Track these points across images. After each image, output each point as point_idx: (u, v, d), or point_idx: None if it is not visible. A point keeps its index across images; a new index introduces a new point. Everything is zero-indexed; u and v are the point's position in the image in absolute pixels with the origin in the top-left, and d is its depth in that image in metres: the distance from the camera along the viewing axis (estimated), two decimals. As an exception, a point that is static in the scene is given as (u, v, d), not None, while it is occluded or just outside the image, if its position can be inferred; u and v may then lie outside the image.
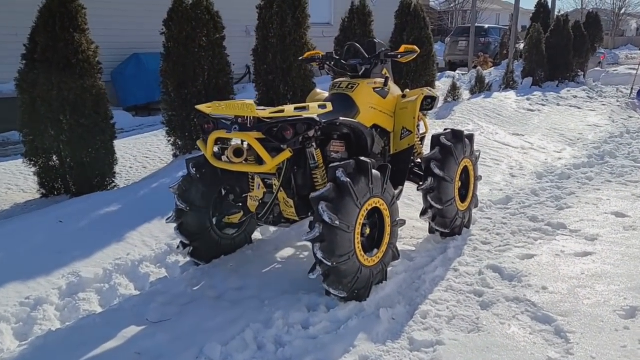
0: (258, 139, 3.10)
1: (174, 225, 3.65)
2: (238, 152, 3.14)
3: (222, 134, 3.19)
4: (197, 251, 3.73)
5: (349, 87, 3.97)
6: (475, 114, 9.38)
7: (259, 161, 3.20)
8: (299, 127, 3.07)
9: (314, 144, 3.29)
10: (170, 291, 3.36)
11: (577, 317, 2.98)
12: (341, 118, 3.31)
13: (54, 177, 4.94)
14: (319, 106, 3.20)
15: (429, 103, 4.27)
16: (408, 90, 4.39)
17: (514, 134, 8.40)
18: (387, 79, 4.13)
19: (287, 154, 3.11)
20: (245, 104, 3.04)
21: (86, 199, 4.56)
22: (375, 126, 4.04)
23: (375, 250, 3.30)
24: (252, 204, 3.64)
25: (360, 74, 4.09)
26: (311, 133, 3.15)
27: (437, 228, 4.19)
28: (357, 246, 3.09)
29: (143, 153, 6.94)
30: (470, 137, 4.36)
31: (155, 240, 3.95)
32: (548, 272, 3.56)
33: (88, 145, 4.77)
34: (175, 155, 6.15)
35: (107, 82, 12.84)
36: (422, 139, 4.68)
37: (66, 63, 4.56)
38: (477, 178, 4.57)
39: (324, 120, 3.17)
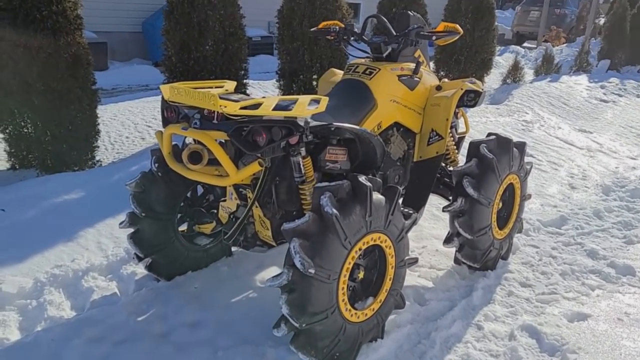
0: (222, 142, 2.37)
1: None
2: (195, 156, 2.41)
3: (176, 129, 2.47)
4: (156, 265, 3.08)
5: (367, 72, 3.15)
6: (537, 101, 8.28)
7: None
8: (274, 132, 2.30)
9: (301, 151, 2.52)
10: (107, 320, 2.73)
11: None
12: (336, 123, 2.50)
13: (25, 147, 4.37)
14: (311, 102, 2.41)
15: (471, 98, 3.39)
16: (446, 80, 3.51)
17: (580, 130, 7.30)
18: (419, 64, 3.27)
19: (254, 167, 2.36)
20: (207, 93, 2.30)
21: (44, 181, 3.97)
22: (397, 125, 3.23)
23: (370, 300, 2.55)
24: (223, 216, 2.93)
25: (384, 55, 3.26)
26: (293, 140, 2.38)
27: (465, 261, 3.37)
28: (342, 299, 2.35)
29: (147, 120, 6.33)
30: (521, 147, 3.47)
31: (113, 243, 3.32)
32: (604, 349, 2.71)
33: (60, 114, 4.14)
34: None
35: (137, 32, 12.51)
36: (459, 141, 3.81)
37: (36, 16, 3.89)
38: (525, 197, 3.68)
39: (313, 124, 2.39)
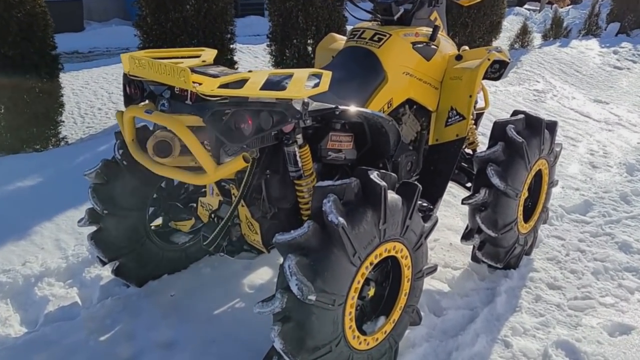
0: (196, 129, 1.88)
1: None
2: (162, 147, 1.92)
3: (138, 111, 1.98)
4: (125, 269, 2.64)
5: (375, 38, 2.65)
6: (548, 68, 7.78)
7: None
8: (263, 119, 1.82)
9: (297, 139, 2.04)
10: (62, 340, 2.30)
11: None
12: (341, 106, 2.01)
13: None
14: (310, 78, 1.93)
15: (495, 70, 2.91)
16: (467, 48, 3.01)
17: (596, 101, 6.84)
18: (436, 28, 2.77)
19: (238, 163, 1.89)
20: (175, 65, 1.80)
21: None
22: (409, 101, 2.75)
23: (382, 321, 2.13)
24: (203, 213, 2.47)
25: (395, 18, 2.76)
26: (287, 128, 1.90)
27: (486, 260, 2.95)
28: (348, 325, 1.91)
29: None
30: (552, 128, 3.00)
31: (75, 240, 2.86)
32: (657, 373, 2.32)
33: (14, 84, 3.60)
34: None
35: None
36: (477, 118, 3.34)
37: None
38: (553, 184, 3.24)
39: (313, 107, 1.90)
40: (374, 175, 1.90)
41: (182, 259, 2.84)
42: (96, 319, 2.43)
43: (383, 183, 1.87)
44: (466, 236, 2.91)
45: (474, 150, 3.19)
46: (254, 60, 7.28)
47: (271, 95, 1.77)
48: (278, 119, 1.80)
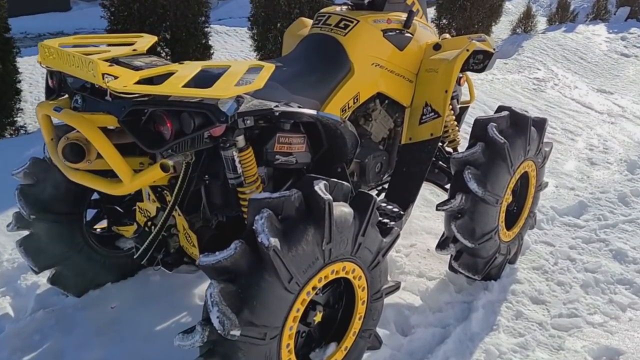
0: (110, 132, 1.64)
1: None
2: (74, 150, 1.67)
3: (48, 109, 1.73)
4: (60, 277, 2.42)
5: (341, 25, 2.40)
6: (550, 55, 7.46)
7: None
8: (184, 121, 1.56)
9: (236, 142, 1.79)
10: (-20, 362, 2.06)
11: None
12: (282, 106, 1.74)
13: None
14: (247, 74, 1.67)
15: (479, 61, 2.64)
16: (447, 36, 2.74)
17: (599, 91, 6.53)
18: (411, 14, 2.50)
19: (154, 172, 1.64)
20: (84, 57, 1.55)
21: None
22: (380, 96, 2.49)
23: (332, 348, 1.89)
24: (141, 219, 2.24)
25: (365, 2, 2.49)
26: (216, 132, 1.65)
27: (463, 272, 2.70)
28: (286, 359, 1.68)
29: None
30: (540, 126, 2.73)
31: (12, 243, 2.60)
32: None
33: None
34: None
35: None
36: (460, 113, 3.07)
37: None
38: (541, 187, 2.99)
39: (246, 108, 1.64)
40: (319, 187, 1.65)
41: (128, 266, 2.61)
42: (23, 335, 2.21)
43: (327, 196, 1.62)
44: (441, 245, 2.66)
45: (455, 150, 2.94)
46: (240, 44, 6.98)
47: (193, 93, 1.52)
48: (200, 122, 1.55)
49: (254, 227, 1.54)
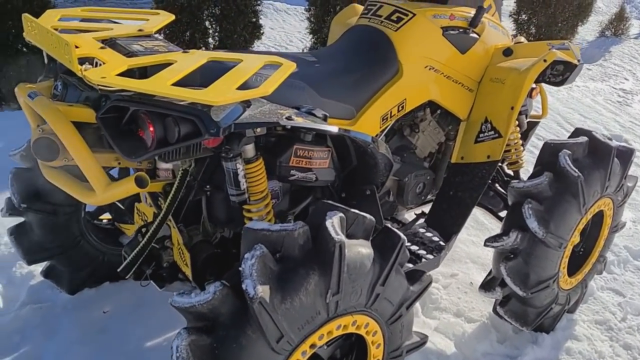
0: (88, 127, 1.38)
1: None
2: (46, 145, 1.41)
3: (23, 92, 1.48)
4: (54, 271, 2.23)
5: (394, 17, 2.03)
6: (641, 65, 6.71)
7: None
8: (168, 127, 1.26)
9: (243, 151, 1.49)
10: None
11: None
12: (294, 117, 1.40)
13: None
14: (265, 68, 1.36)
15: (558, 72, 2.21)
16: (522, 39, 2.32)
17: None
18: (481, 10, 2.10)
19: (129, 186, 1.35)
20: (60, 38, 1.28)
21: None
22: (431, 104, 2.13)
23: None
24: (139, 222, 1.98)
25: (426, -8, 2.11)
26: (211, 143, 1.35)
27: (509, 320, 2.31)
28: None
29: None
30: (626, 157, 2.28)
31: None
32: None
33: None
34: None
35: None
36: (527, 129, 2.65)
37: None
38: (617, 228, 2.53)
39: (245, 118, 1.31)
40: (332, 223, 1.32)
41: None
42: (2, 334, 2.03)
43: (339, 237, 1.29)
44: (486, 285, 2.28)
45: (516, 172, 2.52)
46: (298, 24, 6.65)
47: (181, 95, 1.21)
48: (187, 131, 1.24)
49: (241, 268, 1.24)
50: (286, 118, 1.35)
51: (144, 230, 1.85)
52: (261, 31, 4.49)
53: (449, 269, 2.76)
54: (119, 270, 1.73)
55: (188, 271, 1.72)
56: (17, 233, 2.09)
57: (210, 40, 4.25)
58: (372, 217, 1.46)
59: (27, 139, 2.04)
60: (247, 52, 1.60)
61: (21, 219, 2.12)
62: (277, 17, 6.59)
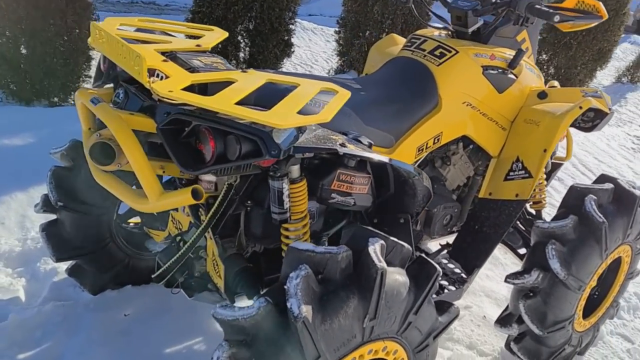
0: (144, 136, 1.42)
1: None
2: (103, 150, 1.46)
3: (85, 98, 1.53)
4: (79, 270, 2.26)
5: (437, 52, 2.09)
6: (657, 113, 6.78)
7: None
8: (229, 145, 1.31)
9: (289, 172, 1.53)
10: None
11: None
12: (346, 147, 1.45)
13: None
14: (317, 98, 1.41)
15: (589, 119, 2.27)
16: (556, 84, 2.38)
17: None
18: (520, 53, 2.16)
19: (185, 197, 1.40)
20: (132, 49, 1.33)
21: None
22: (465, 139, 2.17)
23: None
24: (172, 230, 2.02)
25: (469, 31, 2.16)
26: (267, 163, 1.40)
27: (522, 357, 2.33)
28: None
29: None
30: (648, 206, 2.31)
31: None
32: None
33: (38, 29, 3.26)
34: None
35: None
36: (551, 170, 2.69)
37: None
38: (632, 275, 2.56)
39: (304, 142, 1.36)
40: (375, 249, 1.36)
41: (153, 270, 2.41)
42: (25, 328, 2.05)
43: (382, 264, 1.33)
44: (502, 321, 2.30)
45: (538, 212, 2.56)
46: (324, 44, 6.74)
47: (246, 115, 1.26)
48: (248, 149, 1.29)
49: (286, 287, 1.27)
50: (340, 144, 1.39)
51: (178, 238, 1.90)
52: (292, 49, 4.57)
53: (463, 301, 2.78)
54: (153, 276, 1.77)
55: (220, 282, 1.76)
56: (49, 230, 2.13)
57: (241, 54, 4.33)
58: (409, 246, 1.50)
59: (70, 139, 2.10)
60: (300, 75, 1.65)
61: (54, 216, 2.16)
62: (303, 35, 6.68)
